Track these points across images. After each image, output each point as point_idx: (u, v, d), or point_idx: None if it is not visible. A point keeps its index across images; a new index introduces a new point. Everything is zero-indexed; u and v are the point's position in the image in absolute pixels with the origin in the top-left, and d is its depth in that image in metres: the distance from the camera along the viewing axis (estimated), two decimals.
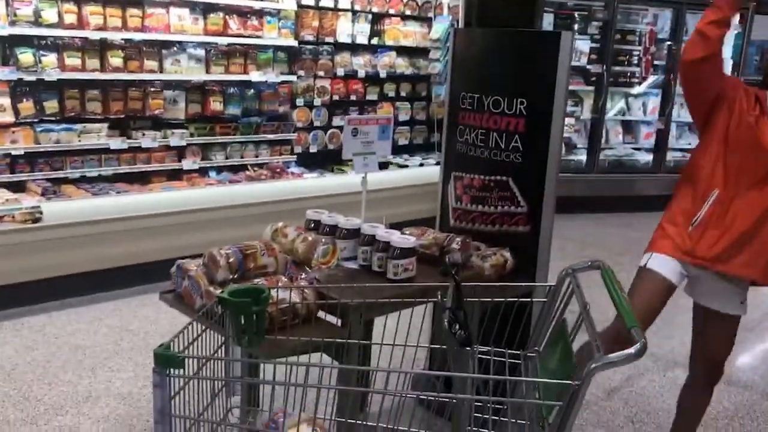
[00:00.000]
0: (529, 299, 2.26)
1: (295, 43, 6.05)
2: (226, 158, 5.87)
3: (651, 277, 2.76)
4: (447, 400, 1.76)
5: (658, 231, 2.85)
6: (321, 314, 2.53)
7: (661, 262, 2.76)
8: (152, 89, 5.34)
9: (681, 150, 8.74)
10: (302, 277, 2.57)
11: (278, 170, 6.02)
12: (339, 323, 2.49)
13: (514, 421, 1.84)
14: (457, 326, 1.78)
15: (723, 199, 2.64)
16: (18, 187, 4.86)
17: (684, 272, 2.76)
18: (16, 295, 4.49)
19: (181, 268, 2.56)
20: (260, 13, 5.80)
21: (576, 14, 7.72)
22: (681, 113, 8.54)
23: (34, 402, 3.47)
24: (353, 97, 6.69)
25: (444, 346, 1.98)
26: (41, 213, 4.56)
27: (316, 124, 6.51)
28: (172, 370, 1.70)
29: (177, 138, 5.45)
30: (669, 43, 8.26)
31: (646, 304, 2.74)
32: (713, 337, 2.82)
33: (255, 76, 5.80)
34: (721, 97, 2.65)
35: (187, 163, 5.59)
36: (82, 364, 3.87)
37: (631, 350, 1.49)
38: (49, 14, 4.74)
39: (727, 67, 8.16)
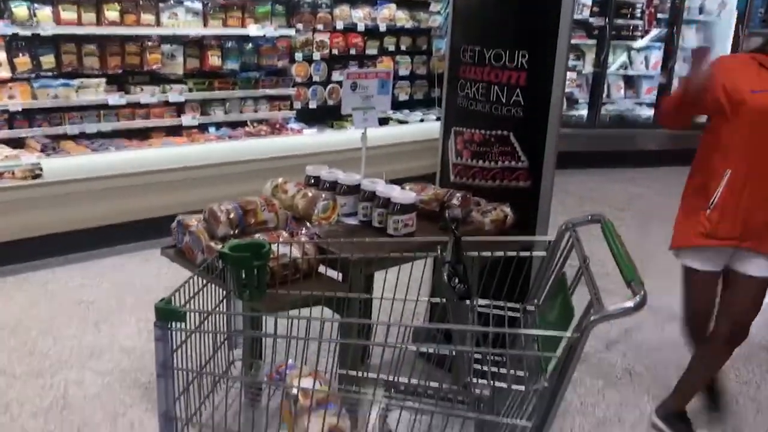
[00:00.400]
0: (528, 253, 2.27)
1: None
2: (225, 113, 5.83)
3: (692, 274, 2.87)
4: (447, 352, 1.78)
5: (679, 218, 2.87)
6: (322, 269, 2.55)
7: (693, 255, 2.83)
8: (150, 44, 5.27)
9: None
10: (303, 232, 2.58)
11: (278, 126, 6.00)
12: (339, 278, 2.50)
13: (513, 372, 1.86)
14: (457, 280, 1.80)
15: (736, 179, 2.63)
16: (17, 144, 4.84)
17: (717, 252, 2.78)
18: (18, 252, 4.51)
19: (182, 224, 2.57)
20: None
21: None
22: (683, 68, 8.43)
23: (39, 356, 3.51)
24: (353, 51, 6.60)
25: (444, 300, 2.00)
26: (41, 169, 4.55)
27: (315, 79, 6.44)
28: (173, 324, 1.72)
29: (176, 93, 5.40)
30: None
31: (698, 301, 2.93)
32: (742, 299, 2.82)
33: (253, 30, 5.71)
34: (713, 100, 2.62)
35: (187, 119, 5.55)
36: (85, 319, 3.91)
37: (630, 303, 1.50)
38: None
39: (732, 20, 8.06)
